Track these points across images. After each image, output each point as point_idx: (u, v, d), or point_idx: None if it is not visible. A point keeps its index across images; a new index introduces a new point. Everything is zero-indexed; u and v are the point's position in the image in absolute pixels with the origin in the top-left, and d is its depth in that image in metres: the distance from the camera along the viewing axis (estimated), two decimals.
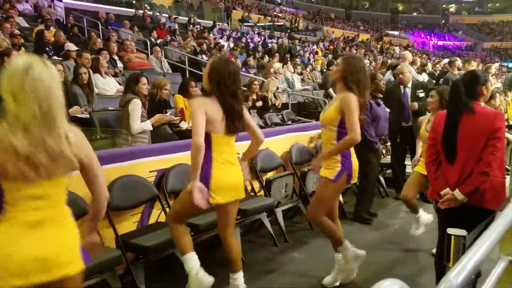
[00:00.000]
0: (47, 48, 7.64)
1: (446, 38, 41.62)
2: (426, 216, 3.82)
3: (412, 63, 7.71)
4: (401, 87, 5.14)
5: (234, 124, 2.46)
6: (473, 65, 7.41)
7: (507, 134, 3.90)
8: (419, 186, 3.78)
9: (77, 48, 7.14)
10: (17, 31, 7.80)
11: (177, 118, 4.38)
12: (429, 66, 9.52)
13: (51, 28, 9.01)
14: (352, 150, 2.90)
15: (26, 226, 1.46)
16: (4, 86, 1.44)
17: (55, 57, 7.11)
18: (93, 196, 1.71)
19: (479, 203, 2.30)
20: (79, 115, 4.32)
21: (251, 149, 2.72)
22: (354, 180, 2.99)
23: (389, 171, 5.54)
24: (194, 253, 2.56)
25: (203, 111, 2.36)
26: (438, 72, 9.20)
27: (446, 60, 9.68)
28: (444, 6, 47.29)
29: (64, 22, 11.01)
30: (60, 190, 1.57)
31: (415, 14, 47.07)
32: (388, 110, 4.71)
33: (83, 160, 1.59)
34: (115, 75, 6.48)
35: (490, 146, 2.26)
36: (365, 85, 2.77)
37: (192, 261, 2.53)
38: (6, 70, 1.46)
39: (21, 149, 1.42)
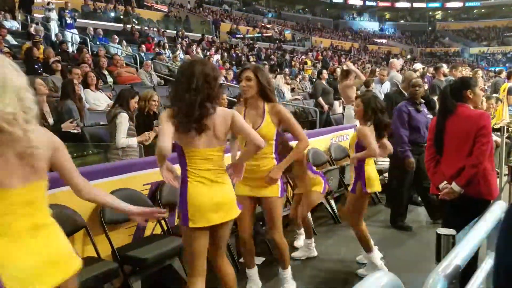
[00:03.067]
0: (36, 66, 7.64)
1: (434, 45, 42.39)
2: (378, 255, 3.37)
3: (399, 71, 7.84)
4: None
5: (195, 126, 2.09)
6: (460, 71, 7.57)
7: (495, 138, 3.96)
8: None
9: (56, 59, 7.09)
10: (6, 49, 7.80)
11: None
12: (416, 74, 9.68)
13: (40, 46, 9.01)
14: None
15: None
16: None
17: (46, 74, 7.10)
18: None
19: (476, 194, 2.59)
20: (72, 130, 4.31)
21: (246, 153, 2.38)
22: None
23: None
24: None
25: (168, 119, 2.08)
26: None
27: (418, 65, 9.87)
28: (430, 13, 48.26)
29: (53, 39, 11.03)
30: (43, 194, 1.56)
31: (402, 21, 47.93)
32: (430, 116, 4.39)
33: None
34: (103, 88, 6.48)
35: (478, 142, 2.57)
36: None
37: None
38: None
39: None
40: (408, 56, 31.87)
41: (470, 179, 2.57)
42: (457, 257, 0.93)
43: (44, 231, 1.53)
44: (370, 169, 3.21)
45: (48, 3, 12.83)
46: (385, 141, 3.30)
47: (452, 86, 2.76)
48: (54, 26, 11.90)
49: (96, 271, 2.40)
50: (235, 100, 6.87)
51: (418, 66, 10.63)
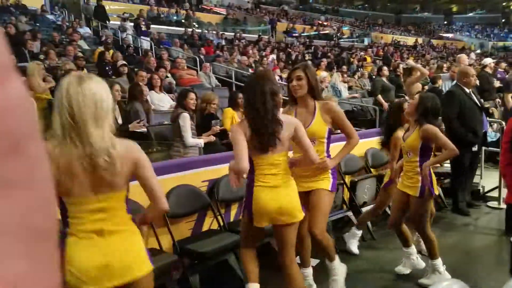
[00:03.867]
0: (106, 68, 8.23)
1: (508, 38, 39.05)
2: (418, 261, 3.28)
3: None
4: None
5: (263, 143, 2.25)
6: None
7: None
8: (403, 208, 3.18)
9: (123, 63, 7.59)
10: (79, 53, 8.48)
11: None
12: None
13: (110, 50, 9.69)
14: None
15: (88, 237, 1.58)
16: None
17: (114, 77, 7.61)
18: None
19: None
20: (138, 130, 4.59)
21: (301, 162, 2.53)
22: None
23: (447, 180, 5.25)
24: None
25: (241, 134, 2.24)
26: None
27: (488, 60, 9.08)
28: (504, 4, 44.49)
29: (120, 43, 11.79)
30: (117, 202, 1.65)
31: (471, 14, 44.74)
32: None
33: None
34: (169, 91, 6.81)
35: None
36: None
37: None
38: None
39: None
40: (478, 51, 29.66)
41: None
42: None
43: (112, 237, 1.61)
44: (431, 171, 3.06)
45: (124, 13, 13.71)
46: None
47: None
48: (128, 37, 12.50)
49: (159, 262, 2.55)
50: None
51: (487, 60, 9.86)
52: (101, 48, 9.94)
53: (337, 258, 2.85)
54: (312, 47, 17.39)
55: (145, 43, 12.30)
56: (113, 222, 1.62)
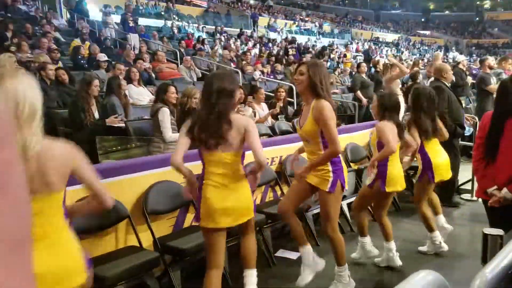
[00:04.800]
0: (82, 61, 8.02)
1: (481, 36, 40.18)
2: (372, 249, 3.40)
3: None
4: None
5: (205, 139, 2.25)
6: (511, 63, 7.15)
7: None
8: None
9: (106, 59, 7.46)
10: (54, 46, 8.23)
11: None
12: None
13: (86, 42, 9.44)
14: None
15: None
16: None
17: (92, 70, 7.43)
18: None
19: None
20: (115, 125, 4.49)
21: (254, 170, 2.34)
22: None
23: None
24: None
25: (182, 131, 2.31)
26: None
27: (461, 57, 9.35)
28: (478, 2, 45.69)
29: (97, 35, 11.50)
30: (53, 205, 1.55)
31: (447, 12, 45.77)
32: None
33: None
34: (148, 82, 6.70)
35: None
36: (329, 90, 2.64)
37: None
38: None
39: None
40: (453, 48, 30.41)
41: None
42: (507, 258, 0.90)
43: (46, 243, 1.50)
44: (394, 168, 3.14)
45: (106, 6, 13.15)
46: (408, 138, 3.26)
47: None
48: (111, 32, 12.06)
49: (138, 260, 2.51)
50: (272, 94, 6.88)
51: (460, 58, 10.12)
52: (77, 41, 9.68)
53: (345, 266, 2.84)
54: (296, 43, 17.43)
55: (134, 39, 11.69)
56: (46, 228, 1.51)
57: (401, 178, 3.21)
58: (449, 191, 4.72)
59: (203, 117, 2.25)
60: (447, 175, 3.59)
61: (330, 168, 2.62)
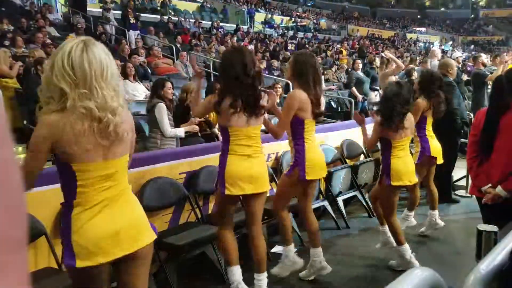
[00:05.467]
0: None
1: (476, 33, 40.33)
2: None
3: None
4: None
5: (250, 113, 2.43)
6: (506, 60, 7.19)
7: None
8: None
9: None
10: (48, 41, 8.15)
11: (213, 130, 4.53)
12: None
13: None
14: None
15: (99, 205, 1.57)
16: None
17: None
18: None
19: None
20: None
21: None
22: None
23: None
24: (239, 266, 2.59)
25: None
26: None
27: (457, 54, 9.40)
28: (473, 0, 45.78)
29: (92, 30, 11.40)
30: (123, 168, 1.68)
31: (442, 9, 45.84)
32: None
33: None
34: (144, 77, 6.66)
35: None
36: (316, 80, 2.78)
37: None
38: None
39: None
40: (450, 44, 30.50)
41: None
42: (501, 254, 0.90)
43: (123, 199, 1.64)
44: (398, 161, 3.07)
45: (106, 2, 12.85)
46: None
47: (508, 78, 2.43)
48: (111, 29, 11.80)
49: None
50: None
51: (457, 54, 10.17)
52: (72, 35, 9.59)
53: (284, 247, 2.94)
54: (296, 39, 17.37)
55: (134, 36, 11.44)
56: (120, 190, 1.62)
57: (407, 172, 3.11)
58: (445, 188, 4.72)
59: (247, 88, 2.38)
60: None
61: (293, 155, 2.82)
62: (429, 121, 3.72)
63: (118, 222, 1.58)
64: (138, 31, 11.87)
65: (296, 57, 2.87)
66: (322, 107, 2.85)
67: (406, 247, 3.15)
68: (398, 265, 3.22)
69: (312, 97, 2.73)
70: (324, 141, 4.49)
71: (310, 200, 3.07)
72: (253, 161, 2.46)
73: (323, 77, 10.31)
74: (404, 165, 3.10)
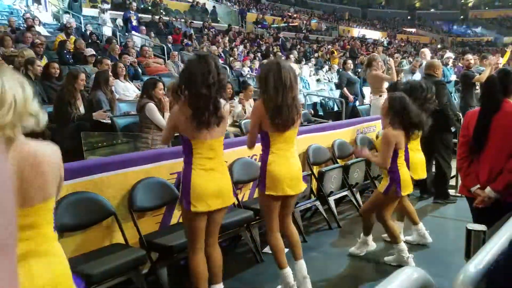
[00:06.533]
0: (67, 56, 7.88)
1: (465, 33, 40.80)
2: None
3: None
4: None
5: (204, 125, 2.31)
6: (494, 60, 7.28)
7: None
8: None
9: (93, 53, 7.35)
10: (38, 40, 8.05)
11: None
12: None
13: (71, 37, 9.27)
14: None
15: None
16: None
17: (78, 65, 7.31)
18: None
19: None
20: (102, 120, 4.43)
21: None
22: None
23: None
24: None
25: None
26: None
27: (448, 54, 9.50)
28: (462, 1, 46.29)
29: (83, 30, 11.30)
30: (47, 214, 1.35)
31: (432, 10, 46.29)
32: None
33: None
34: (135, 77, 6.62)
35: None
36: (278, 87, 2.51)
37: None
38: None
39: None
40: (439, 46, 30.81)
41: (509, 184, 2.32)
42: (489, 253, 0.91)
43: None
44: (405, 171, 3.19)
45: (103, 2, 12.64)
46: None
47: (500, 79, 2.45)
48: (107, 31, 11.64)
49: (125, 257, 2.49)
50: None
51: (448, 54, 10.27)
52: (62, 35, 9.50)
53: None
54: (280, 40, 17.39)
55: (137, 39, 11.12)
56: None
57: (410, 181, 3.25)
58: (442, 186, 4.80)
59: (206, 98, 2.30)
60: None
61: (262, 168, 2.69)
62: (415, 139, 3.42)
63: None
64: (140, 34, 11.71)
65: (260, 66, 2.88)
66: (300, 113, 2.67)
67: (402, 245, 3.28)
68: (394, 260, 3.30)
69: (272, 105, 2.50)
70: (315, 141, 4.50)
71: (285, 216, 2.85)
72: (216, 175, 2.38)
73: (314, 77, 10.39)
74: (407, 173, 3.23)
